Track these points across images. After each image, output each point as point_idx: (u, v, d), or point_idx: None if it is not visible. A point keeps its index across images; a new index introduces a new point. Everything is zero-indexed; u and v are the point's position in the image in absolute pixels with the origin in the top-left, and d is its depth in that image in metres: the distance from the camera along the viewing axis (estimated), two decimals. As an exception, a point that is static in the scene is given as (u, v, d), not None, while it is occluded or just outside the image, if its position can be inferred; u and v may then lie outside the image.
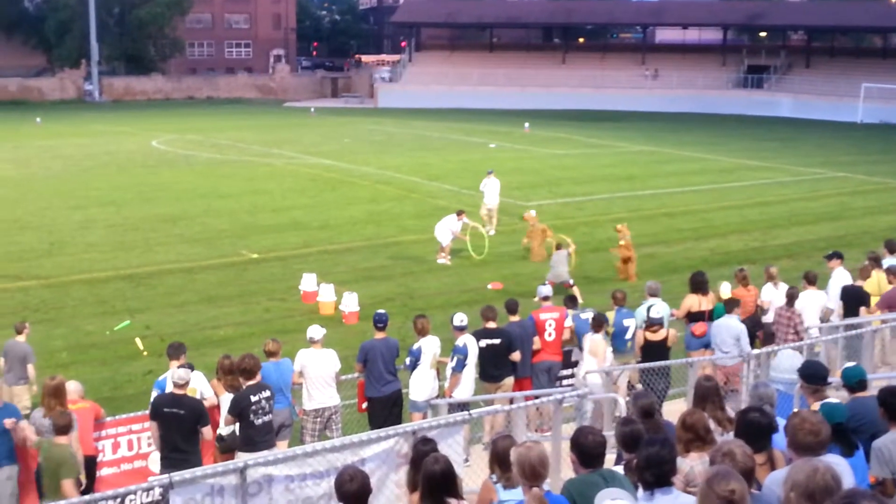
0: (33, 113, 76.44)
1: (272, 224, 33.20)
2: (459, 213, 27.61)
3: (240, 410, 11.93)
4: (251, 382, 12.10)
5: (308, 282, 23.92)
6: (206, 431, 12.03)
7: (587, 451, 7.26)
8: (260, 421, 11.99)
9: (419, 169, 46.26)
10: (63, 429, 11.02)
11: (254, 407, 11.91)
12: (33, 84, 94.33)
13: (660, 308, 15.76)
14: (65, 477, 10.82)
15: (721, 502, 5.49)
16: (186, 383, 12.06)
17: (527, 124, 66.96)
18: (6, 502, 11.57)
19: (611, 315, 15.89)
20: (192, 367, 12.66)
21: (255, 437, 12.00)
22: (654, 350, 15.36)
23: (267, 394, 12.13)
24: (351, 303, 22.45)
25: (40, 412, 11.74)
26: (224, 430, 12.46)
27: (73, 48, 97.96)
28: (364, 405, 14.38)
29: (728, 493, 5.52)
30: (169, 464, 11.72)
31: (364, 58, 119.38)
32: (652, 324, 15.43)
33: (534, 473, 6.86)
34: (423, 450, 8.17)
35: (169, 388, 12.34)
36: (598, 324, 15.15)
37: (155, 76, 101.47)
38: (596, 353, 15.02)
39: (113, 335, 21.41)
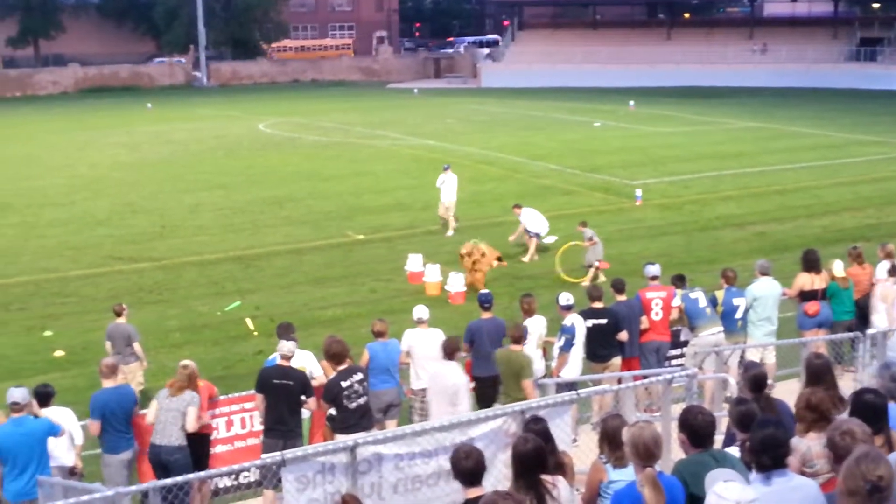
0: (144, 98, 78.15)
1: (377, 205, 33.46)
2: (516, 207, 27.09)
3: (333, 396, 11.98)
4: (342, 367, 12.14)
5: (414, 262, 24.06)
6: (312, 402, 12.18)
7: (697, 430, 7.17)
8: (354, 404, 11.99)
9: (523, 149, 46.09)
10: (517, 339, 13.08)
11: (346, 392, 11.91)
12: (143, 70, 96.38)
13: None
14: (525, 378, 12.80)
15: (866, 486, 5.32)
16: (293, 355, 12.23)
17: (631, 102, 66.21)
18: (125, 483, 11.83)
19: (720, 294, 15.67)
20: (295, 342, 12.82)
21: (349, 419, 12.01)
22: None
23: (359, 376, 12.13)
24: (457, 283, 22.52)
25: (165, 392, 12.02)
26: (333, 409, 12.59)
27: (181, 34, 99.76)
28: (472, 385, 14.41)
29: (876, 478, 5.33)
30: (274, 435, 11.91)
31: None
32: None
33: (647, 453, 6.80)
34: (534, 429, 8.16)
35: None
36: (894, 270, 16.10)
37: (260, 60, 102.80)
38: (885, 298, 15.73)
39: (224, 315, 21.85)
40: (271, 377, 12.03)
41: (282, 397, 11.95)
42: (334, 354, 12.17)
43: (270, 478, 11.48)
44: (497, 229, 29.09)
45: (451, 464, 7.16)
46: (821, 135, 50.31)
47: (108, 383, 12.11)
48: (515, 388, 12.75)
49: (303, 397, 12.04)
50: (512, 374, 12.90)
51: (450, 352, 12.51)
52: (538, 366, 14.19)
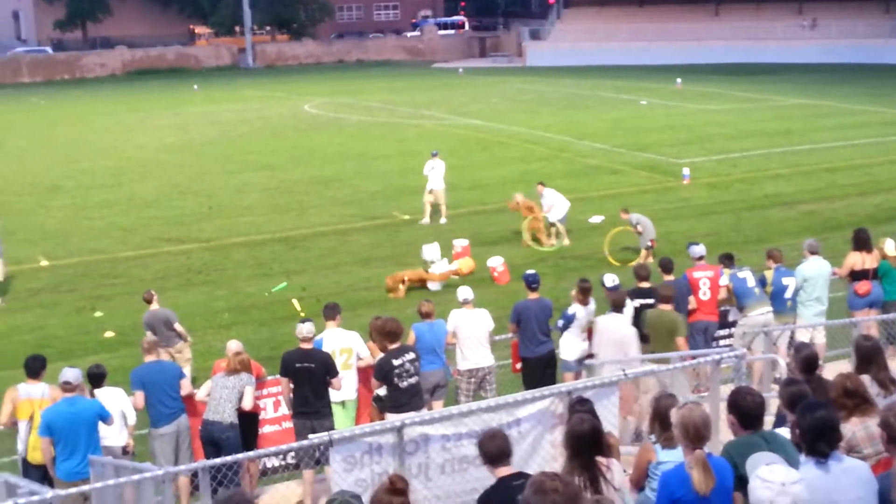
0: (190, 80, 78.57)
1: (421, 185, 33.24)
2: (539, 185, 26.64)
3: (384, 374, 12.03)
4: (394, 346, 12.18)
5: (458, 244, 24.02)
6: (336, 382, 12.18)
7: (747, 412, 7.12)
8: (405, 383, 12.04)
9: (569, 128, 45.83)
10: (666, 299, 13.69)
11: (397, 370, 11.97)
12: (190, 52, 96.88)
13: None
14: (679, 335, 13.53)
15: None
16: (313, 335, 12.25)
17: (679, 80, 65.58)
18: (169, 458, 11.93)
19: (769, 274, 15.50)
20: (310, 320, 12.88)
21: (400, 399, 12.07)
22: None
23: (411, 356, 12.17)
24: (497, 262, 22.49)
25: (221, 374, 12.13)
26: (381, 390, 12.62)
27: (227, 15, 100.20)
28: (518, 365, 14.40)
29: None
30: (301, 418, 11.99)
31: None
32: None
33: (697, 435, 6.76)
34: (580, 410, 8.13)
35: (327, 348, 12.57)
36: None
37: (306, 41, 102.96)
38: None
39: (271, 296, 21.96)
40: (293, 361, 12.10)
41: (305, 380, 12.01)
42: (389, 332, 12.22)
43: (319, 458, 11.57)
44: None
45: (478, 448, 7.25)
46: (872, 111, 49.54)
47: (149, 358, 12.38)
48: (667, 347, 13.22)
49: (328, 378, 12.09)
50: (665, 333, 13.46)
51: (618, 304, 13.47)
52: (583, 346, 14.13)
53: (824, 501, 6.25)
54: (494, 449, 7.10)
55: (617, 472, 7.44)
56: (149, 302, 16.69)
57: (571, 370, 13.99)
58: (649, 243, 23.35)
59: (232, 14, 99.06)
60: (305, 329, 12.25)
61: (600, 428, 7.49)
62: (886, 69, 73.31)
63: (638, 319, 14.40)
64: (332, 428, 11.36)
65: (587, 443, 7.22)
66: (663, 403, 7.84)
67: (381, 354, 12.53)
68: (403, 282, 21.97)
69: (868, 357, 8.72)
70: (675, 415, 7.00)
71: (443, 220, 28.11)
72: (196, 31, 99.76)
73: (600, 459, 7.28)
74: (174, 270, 24.08)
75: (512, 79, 74.71)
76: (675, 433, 7.04)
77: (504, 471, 7.09)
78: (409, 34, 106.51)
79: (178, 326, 16.56)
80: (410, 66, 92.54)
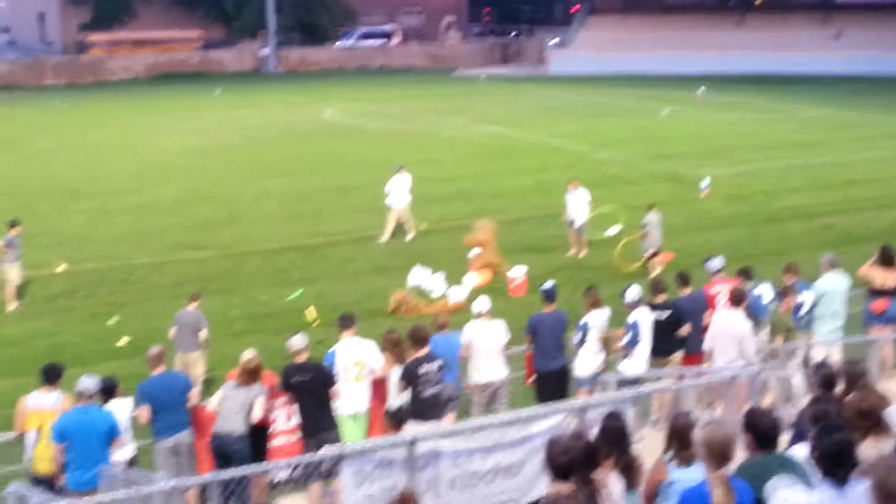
0: (213, 84, 78.61)
1: (442, 194, 33.30)
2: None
3: (409, 379, 12.01)
4: (421, 353, 12.16)
5: (475, 254, 23.98)
6: (335, 391, 12.12)
7: (763, 432, 7.08)
8: (428, 392, 12.05)
9: (590, 136, 45.63)
10: (737, 300, 13.83)
11: (422, 378, 11.98)
12: (213, 56, 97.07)
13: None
14: (776, 333, 14.21)
15: None
16: (303, 349, 12.17)
17: (701, 89, 65.24)
18: (169, 471, 11.84)
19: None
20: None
21: (422, 407, 12.08)
22: None
23: (437, 364, 12.17)
24: (519, 273, 22.41)
25: (232, 383, 12.04)
26: (393, 403, 12.57)
27: (251, 19, 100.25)
28: (531, 378, 14.34)
29: None
30: (307, 433, 11.93)
31: None
32: None
33: (721, 454, 6.73)
34: (612, 424, 8.06)
35: (340, 360, 12.53)
36: None
37: (328, 46, 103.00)
38: None
39: (287, 305, 21.93)
40: (290, 376, 12.07)
41: (304, 393, 11.99)
42: (419, 338, 12.25)
43: (328, 472, 11.50)
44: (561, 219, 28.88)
45: (546, 455, 7.05)
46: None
47: (156, 371, 12.33)
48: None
49: (327, 389, 12.07)
50: (782, 329, 14.29)
51: (737, 300, 13.69)
52: (596, 360, 14.04)
53: (843, 524, 6.17)
54: (563, 463, 6.92)
55: (615, 488, 7.42)
56: (193, 300, 16.91)
57: (585, 386, 13.90)
58: (651, 251, 23.22)
59: (256, 18, 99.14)
60: (296, 343, 12.19)
61: (594, 446, 7.44)
62: (911, 81, 72.77)
63: (653, 334, 14.30)
64: (338, 441, 11.32)
65: (583, 459, 7.15)
66: (680, 422, 7.79)
67: (396, 366, 12.50)
68: (405, 305, 21.39)
69: (852, 380, 8.70)
70: (699, 433, 6.99)
71: (409, 237, 27.71)
72: (91, 38, 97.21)
73: (596, 475, 7.23)
74: (191, 277, 24.07)
75: (534, 86, 74.58)
76: (698, 451, 7.01)
77: (558, 486, 6.94)
78: (337, 44, 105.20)
79: (203, 333, 16.63)
80: (433, 73, 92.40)
